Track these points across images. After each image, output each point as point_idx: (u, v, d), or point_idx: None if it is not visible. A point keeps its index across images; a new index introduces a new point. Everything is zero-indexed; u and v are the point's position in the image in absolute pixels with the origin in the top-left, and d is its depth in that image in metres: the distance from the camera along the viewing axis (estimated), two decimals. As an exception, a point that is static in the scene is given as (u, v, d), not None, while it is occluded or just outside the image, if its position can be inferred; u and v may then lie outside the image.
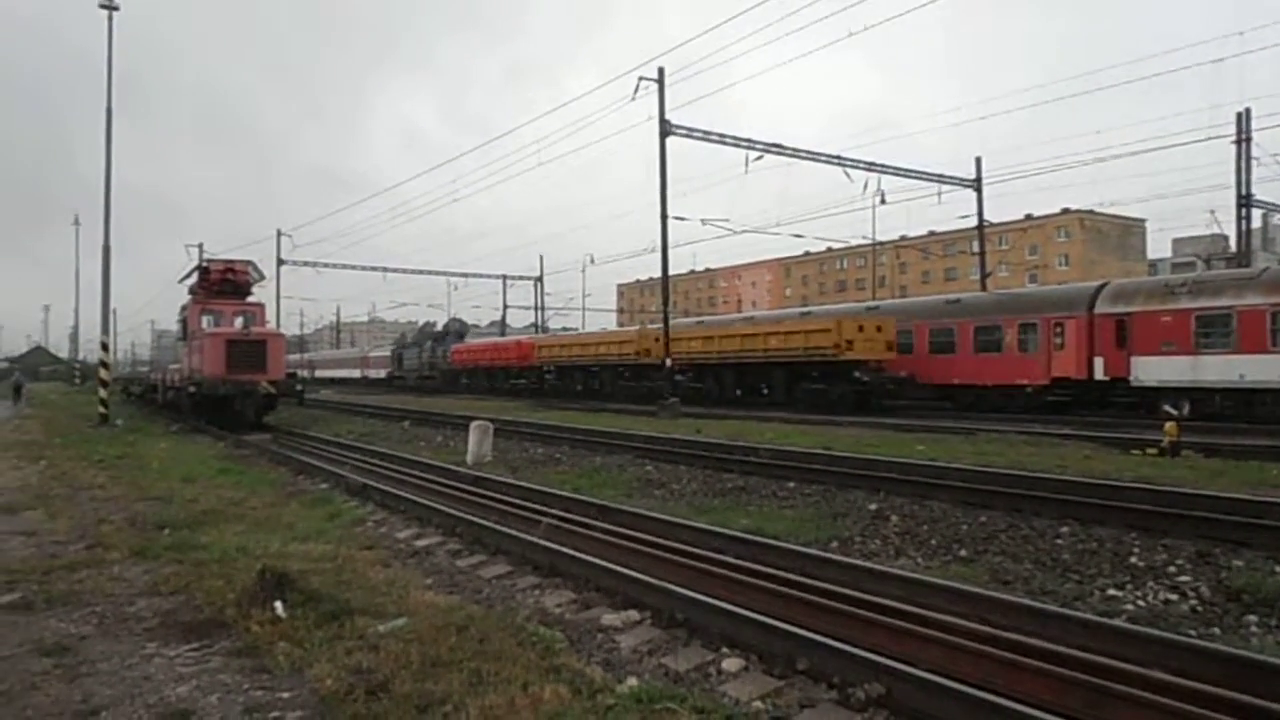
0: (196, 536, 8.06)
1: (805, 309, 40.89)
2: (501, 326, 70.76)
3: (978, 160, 35.36)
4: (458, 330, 58.30)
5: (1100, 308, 23.05)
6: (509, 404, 33.97)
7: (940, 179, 34.67)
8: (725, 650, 5.04)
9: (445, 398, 42.23)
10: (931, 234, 71.79)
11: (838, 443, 15.38)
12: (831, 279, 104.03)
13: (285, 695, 4.20)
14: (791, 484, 11.28)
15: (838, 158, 31.98)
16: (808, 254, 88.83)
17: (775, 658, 4.80)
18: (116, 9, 24.33)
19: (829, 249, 76.76)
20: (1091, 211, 72.65)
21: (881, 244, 54.34)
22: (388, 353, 67.29)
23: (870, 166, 32.61)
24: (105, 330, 27.37)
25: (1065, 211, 78.03)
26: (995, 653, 4.55)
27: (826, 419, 22.15)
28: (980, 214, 36.09)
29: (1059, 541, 7.80)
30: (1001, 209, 52.99)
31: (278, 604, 5.44)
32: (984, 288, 35.50)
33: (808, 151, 31.89)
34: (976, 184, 35.46)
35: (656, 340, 31.31)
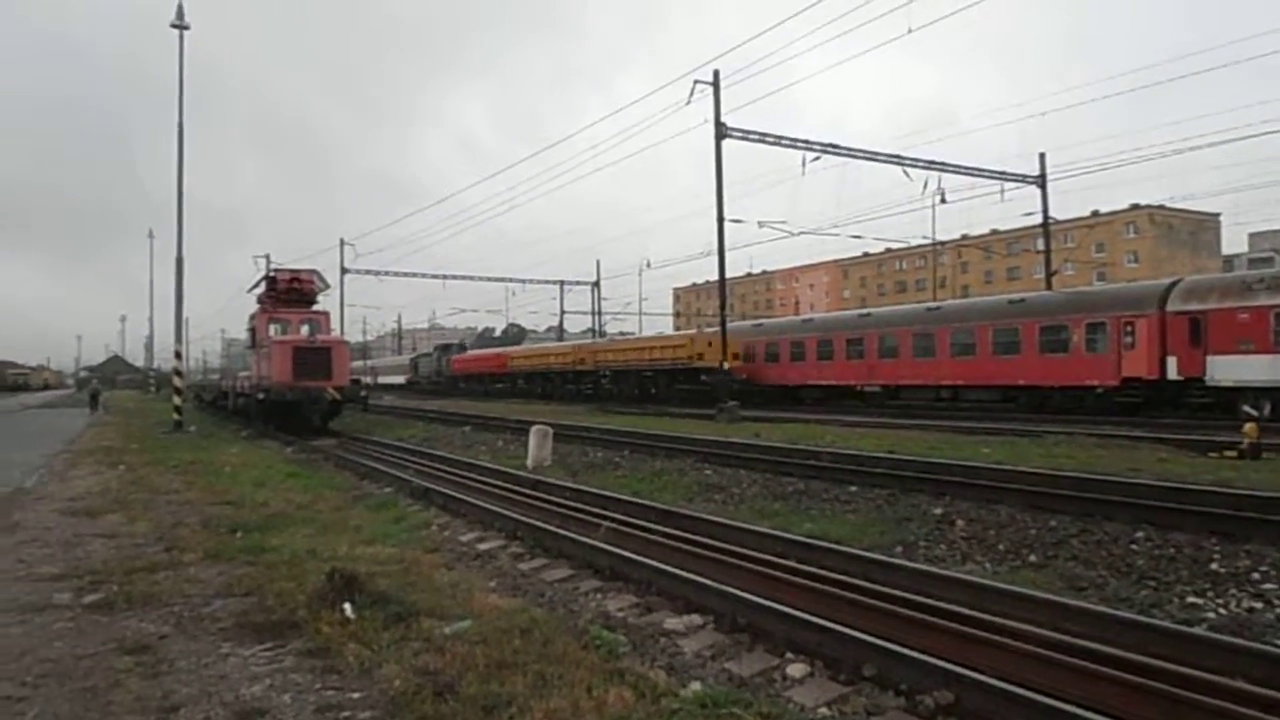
0: (267, 539, 8.26)
1: (864, 310, 40.35)
2: (559, 332, 71.21)
3: (1041, 156, 34.59)
4: (460, 343, 71.91)
5: (1173, 305, 22.30)
6: (568, 408, 34.19)
7: (1002, 176, 33.95)
8: (790, 655, 5.00)
9: (504, 402, 42.78)
10: (994, 232, 70.41)
11: (901, 445, 15.15)
12: (890, 280, 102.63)
13: (355, 695, 4.28)
14: (854, 488, 11.13)
15: (896, 156, 31.55)
16: (866, 255, 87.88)
17: (841, 663, 4.75)
18: (187, 28, 25.16)
19: (888, 250, 75.75)
20: (1162, 207, 70.52)
21: (942, 244, 53.28)
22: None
23: (930, 165, 32.08)
24: (178, 339, 28.28)
25: (1134, 207, 75.85)
26: (1068, 660, 4.43)
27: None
28: (1045, 211, 35.25)
29: (1134, 547, 7.56)
30: (1067, 206, 51.67)
31: (346, 605, 5.55)
32: (1049, 286, 34.64)
33: (865, 151, 31.54)
34: (1040, 180, 34.63)
35: (594, 352, 42.96)
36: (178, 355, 28.79)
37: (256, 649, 5.05)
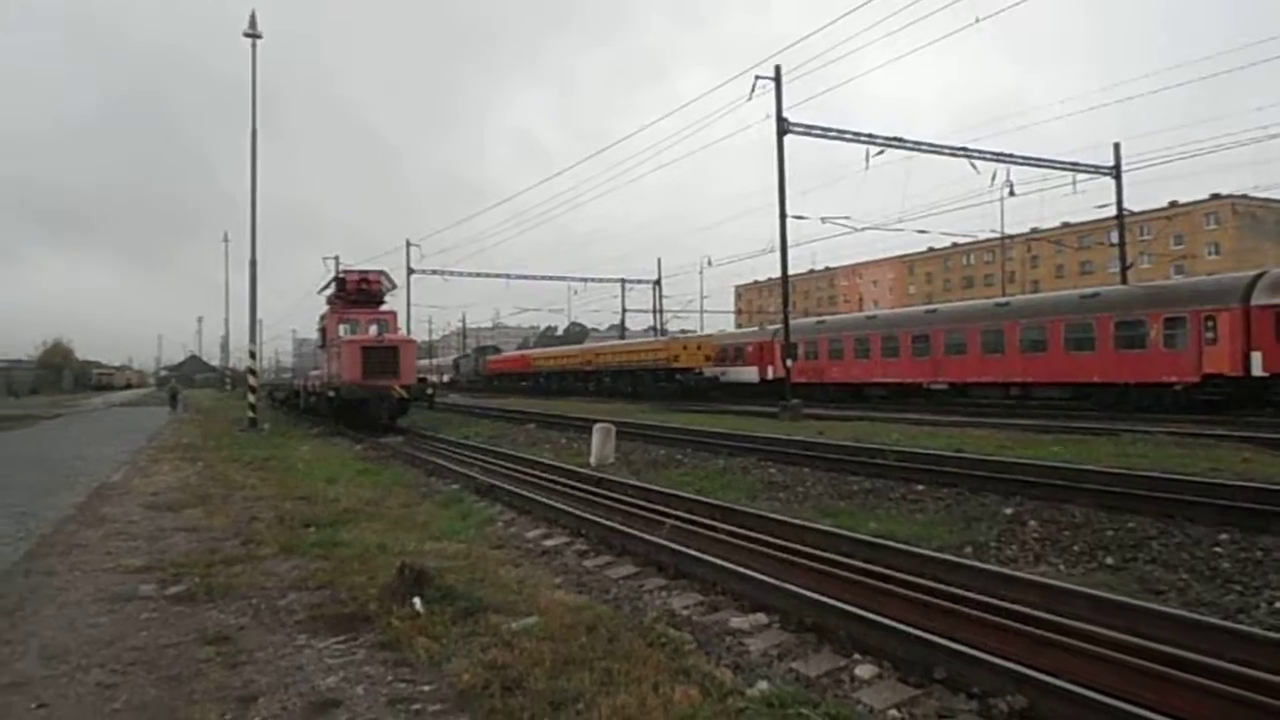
0: (339, 534, 8.47)
1: (930, 306, 39.65)
2: (621, 330, 71.47)
3: (1116, 146, 33.45)
4: (494, 345, 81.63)
5: (1258, 299, 21.41)
6: (631, 406, 34.32)
7: (1075, 167, 32.95)
8: (858, 656, 4.95)
9: (566, 400, 43.18)
10: (1065, 225, 68.56)
11: (969, 444, 14.85)
12: (957, 275, 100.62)
13: (426, 688, 4.36)
14: (921, 487, 10.95)
15: (963, 149, 30.87)
16: (931, 250, 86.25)
17: (911, 665, 4.68)
18: (260, 37, 25.85)
19: (954, 244, 74.25)
20: (1245, 196, 67.71)
21: (1011, 237, 52.15)
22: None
23: (998, 157, 31.28)
24: (253, 340, 29.14)
25: (1215, 197, 73.02)
26: (1147, 666, 4.31)
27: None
28: (1119, 203, 34.12)
29: (1217, 550, 7.29)
30: (1143, 197, 50.10)
31: (416, 600, 5.66)
32: (1124, 280, 33.56)
33: (931, 144, 30.89)
34: (1115, 171, 33.54)
35: (597, 355, 50.01)
36: (252, 355, 29.73)
37: (330, 641, 5.18)
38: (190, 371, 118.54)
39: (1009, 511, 9.21)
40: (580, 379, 50.79)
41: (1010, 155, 31.48)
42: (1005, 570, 6.77)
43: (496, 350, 77.59)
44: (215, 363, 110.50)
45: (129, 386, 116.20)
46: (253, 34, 25.66)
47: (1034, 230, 66.52)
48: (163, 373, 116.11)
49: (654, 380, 41.34)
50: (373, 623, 5.45)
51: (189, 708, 4.13)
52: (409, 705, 4.15)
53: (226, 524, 9.28)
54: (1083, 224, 61.36)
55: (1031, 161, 32.09)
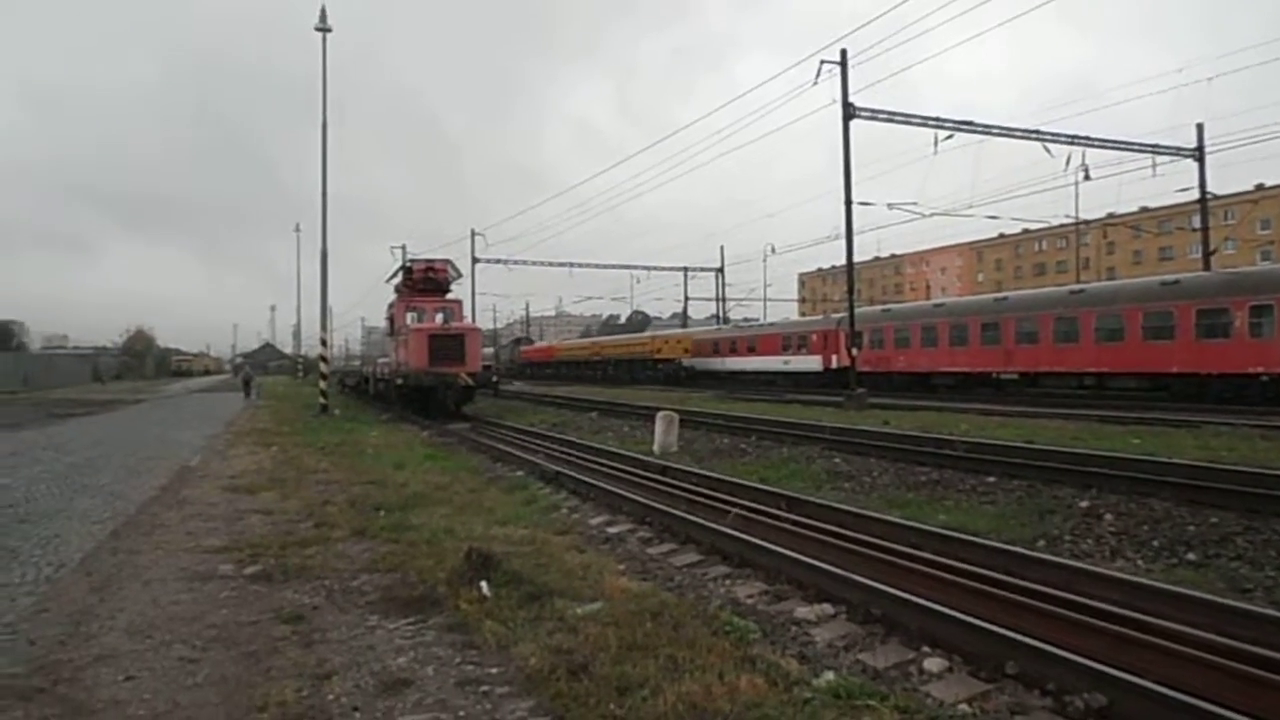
0: (408, 518, 8.63)
1: (1001, 294, 38.66)
2: (683, 318, 71.32)
3: (1199, 127, 32.10)
4: (526, 336, 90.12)
5: (1352, 286, 20.42)
6: (694, 394, 34.29)
7: (1154, 150, 31.72)
8: (926, 649, 4.87)
9: (630, 389, 43.43)
10: (1143, 210, 66.18)
11: (1040, 435, 14.49)
12: (1029, 262, 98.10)
13: (494, 671, 4.42)
14: (991, 478, 10.71)
15: (1035, 132, 29.96)
16: (1002, 236, 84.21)
17: (982, 659, 4.58)
18: (330, 30, 26.38)
19: (1025, 230, 72.20)
20: (1338, 178, 64.45)
21: (1086, 223, 50.50)
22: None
23: (1073, 139, 30.28)
24: (324, 328, 29.84)
25: (1305, 179, 69.64)
26: (1234, 666, 4.14)
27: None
28: (1202, 186, 32.77)
29: (1308, 547, 6.99)
30: (1228, 179, 48.03)
31: (483, 584, 5.74)
32: (1207, 267, 32.28)
33: (1001, 127, 30.04)
34: (1198, 153, 32.21)
35: (602, 348, 61.24)
36: (323, 343, 30.42)
37: (401, 622, 5.28)
38: (264, 359, 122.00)
39: (1084, 504, 8.95)
40: (590, 367, 60.18)
41: (1086, 137, 30.46)
42: (1081, 564, 6.58)
43: (530, 341, 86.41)
44: (288, 350, 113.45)
45: (206, 373, 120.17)
46: (323, 28, 26.22)
47: (1110, 215, 64.46)
48: (238, 359, 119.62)
49: (643, 368, 51.77)
50: (441, 605, 5.55)
51: (266, 684, 4.26)
52: (477, 687, 4.21)
53: (300, 507, 9.54)
54: (1162, 209, 59.13)
55: (1109, 144, 30.99)
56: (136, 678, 4.38)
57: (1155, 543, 7.53)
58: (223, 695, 4.15)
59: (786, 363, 40.93)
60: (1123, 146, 31.39)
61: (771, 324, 49.15)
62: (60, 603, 5.77)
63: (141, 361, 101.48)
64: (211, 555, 7.18)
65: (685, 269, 65.95)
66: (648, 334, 60.87)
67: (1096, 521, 8.32)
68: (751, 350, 44.81)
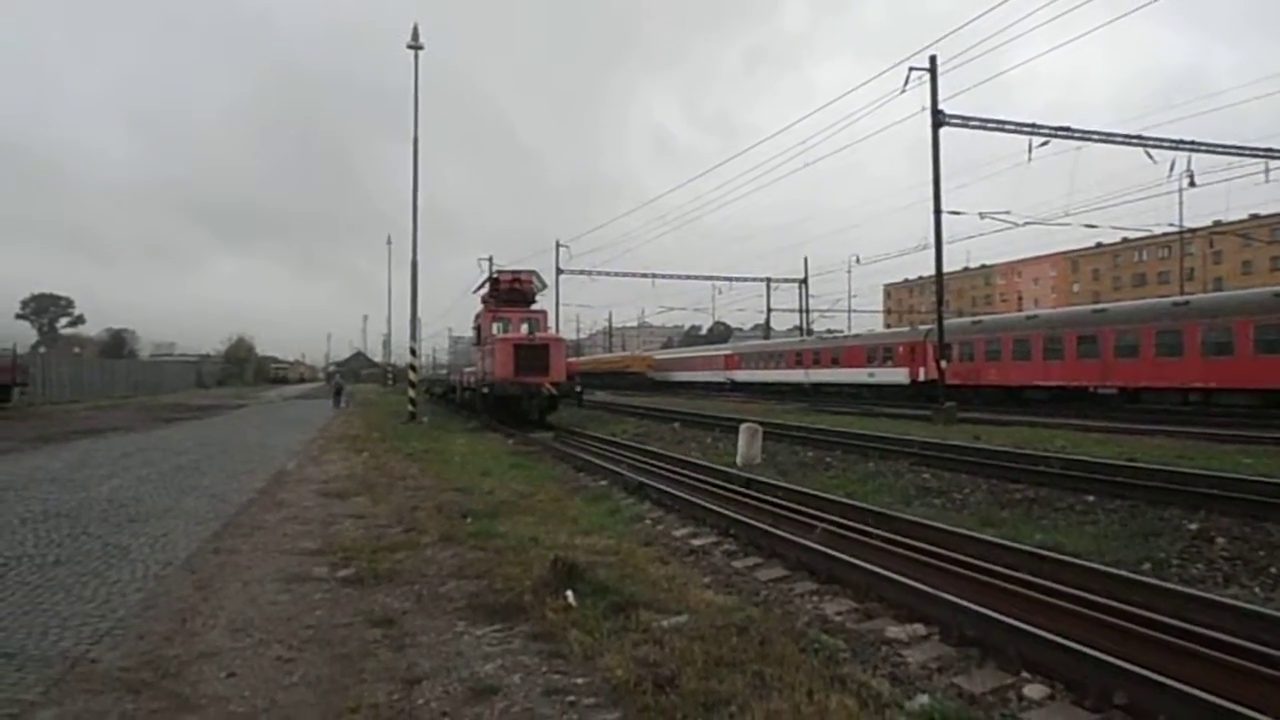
0: (495, 525, 8.73)
1: (1099, 305, 37.17)
2: (765, 330, 70.87)
3: (1317, 129, 30.44)
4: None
5: None
6: (778, 406, 33.95)
7: (1267, 154, 30.11)
8: (1026, 675, 4.67)
9: (714, 400, 43.25)
10: (1254, 218, 62.99)
11: (1143, 453, 13.86)
12: (1128, 273, 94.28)
13: (579, 681, 4.41)
14: (1091, 497, 10.28)
15: (1137, 137, 28.75)
16: (1100, 246, 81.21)
17: (1086, 688, 4.37)
18: (422, 48, 27.08)
19: (1124, 239, 69.45)
20: None
21: (1191, 231, 48.35)
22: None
23: (1176, 144, 28.91)
24: (413, 338, 30.56)
25: None
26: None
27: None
28: (1321, 192, 31.03)
29: None
30: (1348, 185, 45.14)
31: (569, 593, 5.75)
32: (1326, 277, 30.51)
33: (1100, 133, 28.90)
34: (1316, 157, 30.50)
35: (600, 363, 75.74)
36: (413, 352, 31.14)
37: (488, 629, 5.33)
38: (356, 367, 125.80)
39: (1193, 527, 8.51)
40: (597, 378, 68.04)
41: (1192, 142, 29.04)
42: (1191, 590, 6.24)
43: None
44: (378, 358, 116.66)
45: (301, 380, 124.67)
46: (415, 45, 26.90)
47: (1217, 223, 61.50)
48: (331, 368, 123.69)
49: (619, 379, 67.65)
50: (527, 613, 5.58)
51: (359, 686, 4.34)
52: (564, 697, 4.21)
53: (390, 512, 9.75)
54: (1275, 216, 56.18)
55: (1216, 149, 29.47)
56: (237, 675, 4.52)
57: (1274, 569, 7.10)
58: (318, 695, 4.24)
59: (871, 375, 40.20)
60: (1232, 151, 29.85)
61: (857, 335, 48.35)
62: (167, 599, 6.01)
63: (242, 368, 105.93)
64: (306, 558, 7.39)
65: (768, 280, 65.46)
66: (622, 353, 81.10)
67: (1207, 545, 7.90)
68: (835, 362, 44.05)
